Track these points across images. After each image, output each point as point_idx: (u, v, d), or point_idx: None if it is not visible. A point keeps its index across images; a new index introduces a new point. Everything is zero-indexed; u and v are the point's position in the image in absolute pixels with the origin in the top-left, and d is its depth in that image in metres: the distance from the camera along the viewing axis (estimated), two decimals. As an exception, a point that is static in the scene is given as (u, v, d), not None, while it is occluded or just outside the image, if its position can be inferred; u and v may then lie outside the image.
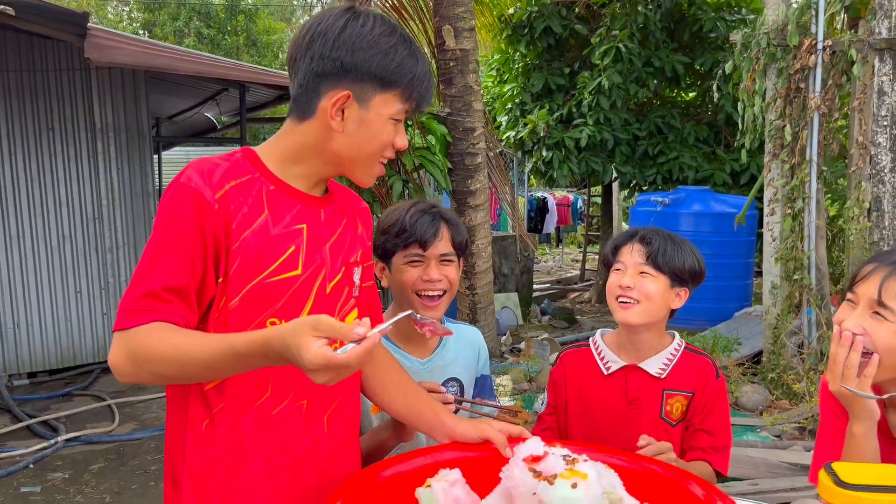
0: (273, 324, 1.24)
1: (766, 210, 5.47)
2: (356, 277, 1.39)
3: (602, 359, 1.79)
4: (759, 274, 8.41)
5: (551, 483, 0.97)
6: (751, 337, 6.12)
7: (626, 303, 1.70)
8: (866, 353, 1.35)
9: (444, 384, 1.79)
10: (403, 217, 1.67)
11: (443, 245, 1.69)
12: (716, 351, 5.53)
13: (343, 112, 1.23)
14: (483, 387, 1.91)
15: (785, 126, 5.17)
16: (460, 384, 1.83)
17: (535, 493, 0.99)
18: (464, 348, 1.85)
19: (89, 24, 4.67)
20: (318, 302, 1.29)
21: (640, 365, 1.75)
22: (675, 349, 1.77)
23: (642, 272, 1.70)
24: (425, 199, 1.89)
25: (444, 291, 1.70)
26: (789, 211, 5.21)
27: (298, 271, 1.26)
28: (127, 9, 23.11)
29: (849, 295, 1.45)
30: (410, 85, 1.25)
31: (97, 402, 5.50)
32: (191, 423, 1.25)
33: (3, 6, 4.01)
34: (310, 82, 1.23)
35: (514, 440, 1.29)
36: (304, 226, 1.29)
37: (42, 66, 5.93)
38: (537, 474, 1.01)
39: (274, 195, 1.27)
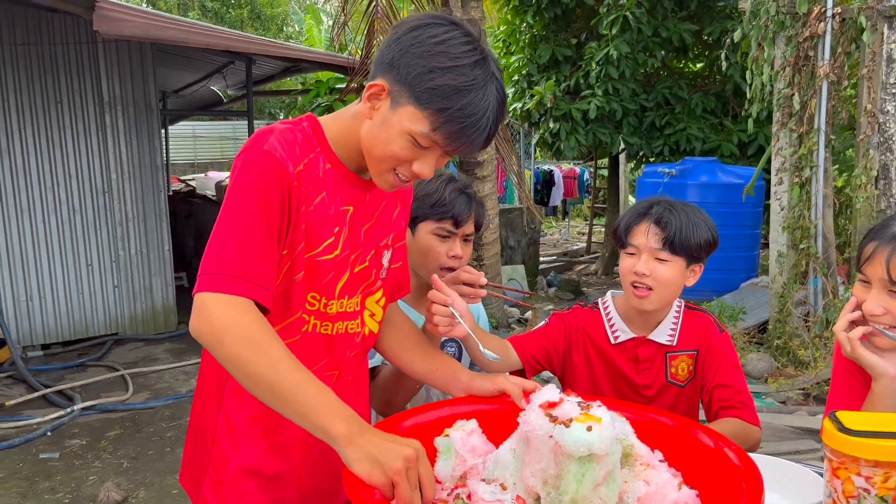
0: (314, 297, 1.29)
1: (773, 179, 5.47)
2: (385, 260, 1.42)
3: (612, 327, 1.78)
4: (766, 245, 8.41)
5: (567, 426, 1.01)
6: (757, 307, 6.16)
7: (640, 289, 1.66)
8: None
9: (444, 343, 1.85)
10: (443, 192, 1.74)
11: (470, 225, 1.78)
12: (722, 320, 5.57)
13: (378, 102, 1.20)
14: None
15: (793, 95, 5.16)
16: (458, 344, 1.88)
17: (551, 436, 1.03)
18: None
19: (96, -4, 4.66)
20: (348, 283, 1.33)
21: (649, 337, 1.75)
22: (677, 311, 1.77)
23: (658, 258, 1.66)
24: (454, 176, 1.92)
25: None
26: (797, 180, 5.22)
27: (338, 252, 1.29)
28: (129, -18, 22.92)
29: (860, 275, 1.47)
30: (441, 115, 1.15)
31: (111, 372, 5.59)
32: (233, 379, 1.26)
33: (11, -22, 4.01)
34: (374, 66, 1.23)
35: (529, 393, 1.33)
36: (351, 208, 1.31)
37: (49, 39, 5.94)
38: (553, 419, 1.05)
39: (330, 174, 1.27)
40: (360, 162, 1.29)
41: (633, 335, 1.75)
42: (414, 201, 1.67)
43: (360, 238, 1.34)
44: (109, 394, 5.14)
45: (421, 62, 1.14)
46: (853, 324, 1.44)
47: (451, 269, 1.68)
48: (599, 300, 1.86)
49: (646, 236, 1.67)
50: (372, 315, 1.43)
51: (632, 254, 1.70)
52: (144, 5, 19.99)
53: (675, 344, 1.74)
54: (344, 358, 1.37)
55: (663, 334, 1.74)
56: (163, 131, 7.37)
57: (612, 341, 1.77)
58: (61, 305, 6.23)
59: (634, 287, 1.67)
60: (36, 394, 5.00)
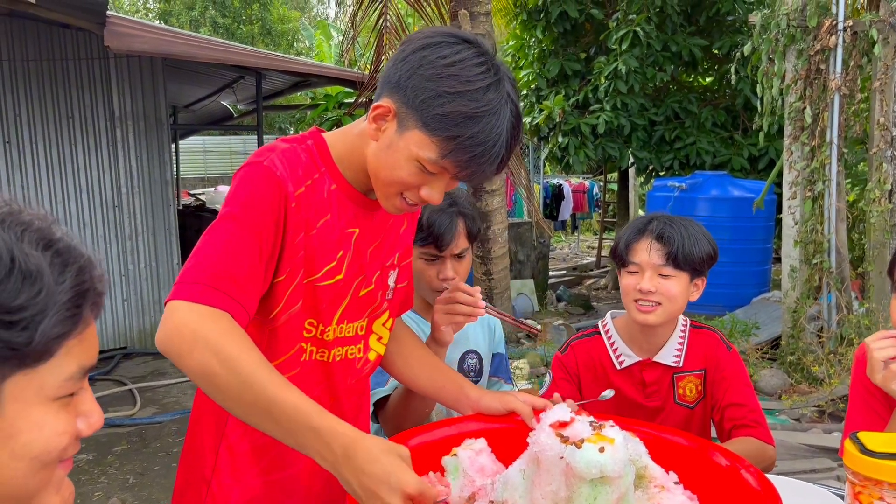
0: (311, 324, 1.24)
1: (786, 193, 5.42)
2: (391, 281, 1.37)
3: (615, 352, 1.73)
4: (778, 260, 8.34)
5: (579, 447, 0.98)
6: (769, 322, 6.09)
7: (645, 305, 1.63)
8: None
9: (463, 356, 1.81)
10: (422, 215, 1.61)
11: (459, 243, 1.66)
12: (734, 335, 5.51)
13: (384, 124, 1.14)
14: (499, 365, 1.92)
15: (805, 108, 5.12)
16: (479, 356, 1.84)
17: (562, 458, 1.00)
18: (479, 324, 1.86)
19: (108, 12, 4.70)
20: (351, 304, 1.28)
21: (655, 359, 1.70)
22: (683, 330, 1.73)
23: (662, 273, 1.62)
24: None
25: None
26: (809, 194, 5.17)
27: (341, 276, 1.24)
28: (142, -1, 23.20)
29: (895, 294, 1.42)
30: (451, 143, 1.08)
31: (119, 386, 5.58)
32: None
33: (24, -6, 4.05)
34: (379, 85, 1.17)
35: (540, 412, 1.29)
36: (357, 230, 1.26)
37: (62, 54, 5.99)
38: (564, 439, 1.02)
39: (336, 195, 1.22)
40: (367, 182, 1.23)
41: (638, 358, 1.71)
42: None
43: (366, 260, 1.29)
44: (117, 408, 5.12)
45: (430, 85, 1.07)
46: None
47: (442, 290, 1.62)
48: (599, 323, 1.81)
49: (648, 253, 1.63)
50: (379, 339, 1.39)
51: (634, 272, 1.66)
52: (157, 22, 20.22)
53: (681, 364, 1.70)
54: (342, 386, 1.32)
55: (669, 355, 1.70)
56: (173, 146, 7.41)
57: (617, 366, 1.72)
58: (70, 319, 6.22)
59: (638, 304, 1.63)
60: (44, 408, 4.98)
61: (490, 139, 1.09)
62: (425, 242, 1.64)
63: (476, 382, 1.84)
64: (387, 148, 1.13)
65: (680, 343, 1.71)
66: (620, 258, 1.69)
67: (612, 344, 1.74)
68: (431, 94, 1.07)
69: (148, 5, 22.97)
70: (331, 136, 1.26)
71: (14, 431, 0.66)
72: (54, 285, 0.65)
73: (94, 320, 0.71)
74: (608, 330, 1.76)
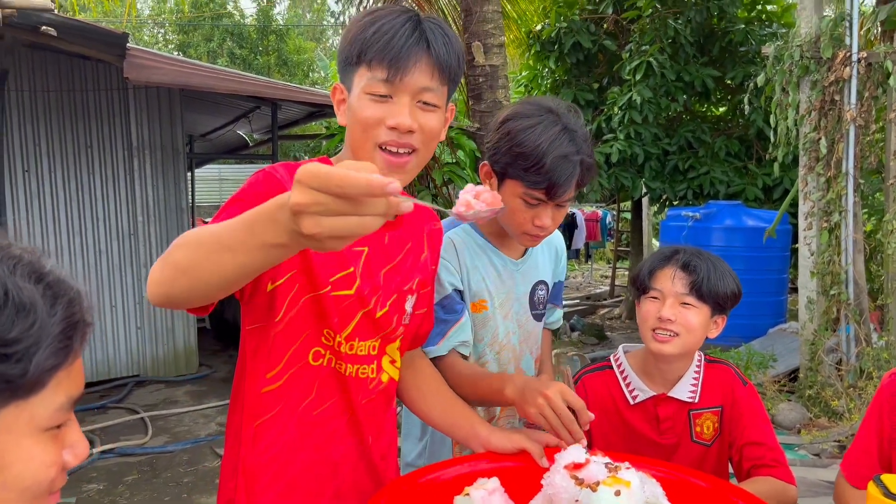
0: (329, 333, 1.26)
1: (801, 224, 5.38)
2: (408, 306, 1.37)
3: (628, 386, 1.69)
4: (794, 290, 8.24)
5: (594, 490, 0.96)
6: (786, 354, 6.00)
7: (662, 335, 1.59)
8: None
9: (534, 287, 1.76)
10: (542, 155, 1.42)
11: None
12: (750, 367, 5.43)
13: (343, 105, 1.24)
14: (557, 292, 1.88)
15: (820, 139, 5.10)
16: (547, 286, 1.80)
17: (577, 501, 0.97)
18: (548, 251, 1.82)
19: (128, 45, 4.78)
20: (363, 324, 1.28)
21: (670, 394, 1.66)
22: (698, 365, 1.69)
23: (684, 303, 1.59)
24: (566, 125, 1.49)
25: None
26: (826, 224, 5.12)
27: (351, 292, 1.25)
28: (162, 31, 23.65)
29: None
30: (364, 49, 1.17)
31: (131, 415, 5.57)
32: (246, 421, 1.28)
33: (45, 27, 4.13)
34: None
35: (551, 450, 1.27)
36: (365, 249, 1.27)
37: (82, 85, 6.09)
38: (579, 481, 0.99)
39: None
40: None
41: (652, 393, 1.67)
42: (504, 151, 1.48)
43: (380, 281, 1.30)
44: (129, 437, 5.11)
45: (345, 35, 1.23)
46: None
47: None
48: (611, 357, 1.77)
49: (671, 281, 1.60)
50: (392, 361, 1.38)
51: (655, 298, 1.62)
52: (176, 53, 20.61)
53: (697, 400, 1.66)
54: (357, 403, 1.32)
55: (684, 391, 1.66)
56: (189, 174, 7.48)
57: (631, 401, 1.68)
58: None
59: (657, 333, 1.60)
60: (56, 436, 4.97)
61: (387, 27, 1.16)
62: (536, 185, 1.45)
63: (542, 314, 1.81)
64: (351, 114, 1.21)
65: (695, 378, 1.67)
66: (642, 284, 1.66)
67: (624, 378, 1.70)
68: (346, 37, 1.22)
69: (167, 37, 23.41)
70: (337, 158, 1.29)
71: (5, 463, 0.66)
72: (47, 317, 0.65)
73: (81, 351, 0.72)
74: (620, 364, 1.72)
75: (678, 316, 1.58)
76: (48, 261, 0.70)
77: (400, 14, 1.20)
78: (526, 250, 1.73)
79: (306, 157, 19.01)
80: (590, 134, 1.54)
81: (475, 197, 0.94)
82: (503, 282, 1.69)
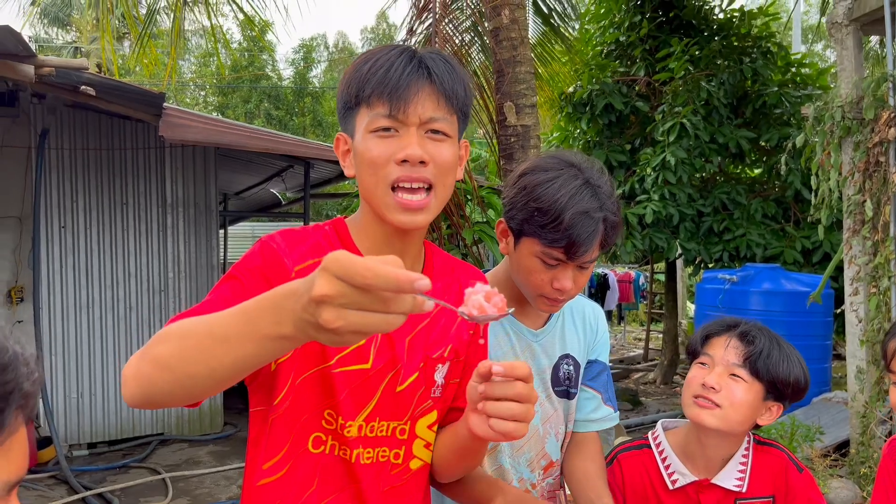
0: (331, 415, 1.13)
1: (848, 289, 5.17)
2: (438, 376, 1.21)
3: (667, 468, 1.54)
4: (838, 357, 7.91)
5: None
6: (833, 425, 5.70)
7: (704, 402, 1.45)
8: None
9: (558, 362, 1.56)
10: (561, 210, 1.29)
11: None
12: (796, 440, 5.15)
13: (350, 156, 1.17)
14: (595, 374, 1.61)
15: (865, 201, 4.94)
16: (575, 362, 1.58)
17: None
18: (579, 322, 1.60)
19: (165, 104, 4.87)
20: (384, 400, 1.15)
21: (713, 481, 1.50)
22: (746, 448, 1.53)
23: (733, 374, 1.45)
24: (588, 179, 1.37)
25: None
26: (874, 290, 4.91)
27: (368, 366, 1.13)
28: (203, 93, 24.45)
29: (891, 375, 1.34)
30: (362, 87, 1.10)
31: (152, 475, 5.46)
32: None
33: (84, 86, 4.22)
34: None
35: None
36: None
37: (120, 143, 6.21)
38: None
39: None
40: (384, 238, 1.16)
41: (694, 478, 1.51)
42: (521, 206, 1.37)
43: (402, 350, 1.16)
44: (149, 498, 4.98)
45: (343, 80, 1.16)
46: None
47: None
48: (650, 434, 1.62)
49: (724, 348, 1.48)
50: (426, 445, 1.23)
51: (703, 364, 1.49)
52: (215, 114, 21.21)
53: (744, 490, 1.49)
54: (372, 493, 1.16)
55: (730, 477, 1.49)
56: (221, 231, 7.53)
57: (670, 486, 1.52)
58: (110, 403, 6.20)
59: (697, 399, 1.46)
60: (75, 496, 4.88)
61: (384, 62, 1.09)
62: (554, 243, 1.32)
63: (572, 393, 1.58)
64: (358, 161, 1.14)
65: (743, 463, 1.51)
66: (694, 349, 1.54)
67: (663, 459, 1.55)
68: (343, 80, 1.15)
69: (208, 99, 24.18)
70: (352, 218, 1.21)
71: None
72: None
73: (22, 425, 0.59)
74: (659, 443, 1.57)
75: (724, 386, 1.44)
76: None
77: (395, 48, 1.13)
78: (548, 319, 1.56)
79: (336, 215, 19.23)
80: (615, 191, 1.40)
81: (486, 299, 0.90)
82: (517, 355, 1.51)
